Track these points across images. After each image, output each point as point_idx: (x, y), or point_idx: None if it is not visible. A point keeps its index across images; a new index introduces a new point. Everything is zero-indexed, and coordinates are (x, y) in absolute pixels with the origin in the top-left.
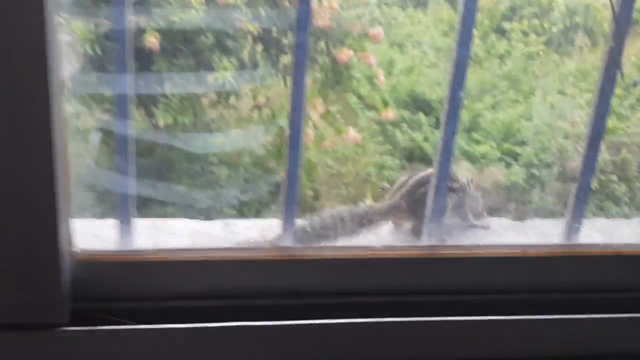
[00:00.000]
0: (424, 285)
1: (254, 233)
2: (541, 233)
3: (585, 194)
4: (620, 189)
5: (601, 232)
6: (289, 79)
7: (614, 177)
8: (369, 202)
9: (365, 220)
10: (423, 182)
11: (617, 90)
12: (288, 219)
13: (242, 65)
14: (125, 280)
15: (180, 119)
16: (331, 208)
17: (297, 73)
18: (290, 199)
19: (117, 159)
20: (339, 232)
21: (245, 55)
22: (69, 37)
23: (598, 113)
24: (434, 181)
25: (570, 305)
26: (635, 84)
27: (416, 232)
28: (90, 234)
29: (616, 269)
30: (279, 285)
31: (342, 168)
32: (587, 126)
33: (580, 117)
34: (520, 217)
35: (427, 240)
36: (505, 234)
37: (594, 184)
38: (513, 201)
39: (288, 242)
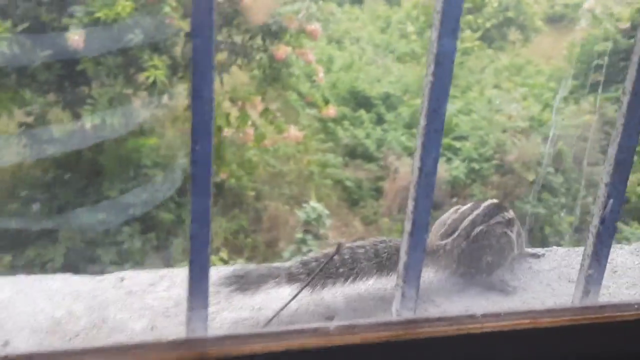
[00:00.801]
0: None
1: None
2: None
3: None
4: (557, 179)
5: None
6: (225, 77)
7: (551, 169)
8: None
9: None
10: (477, 221)
11: (551, 84)
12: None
13: (174, 63)
14: None
15: (109, 120)
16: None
17: (199, 80)
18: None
19: None
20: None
21: (177, 52)
22: None
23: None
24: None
25: None
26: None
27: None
28: None
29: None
30: None
31: (284, 167)
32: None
33: (517, 111)
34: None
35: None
36: None
37: (532, 176)
38: (455, 196)
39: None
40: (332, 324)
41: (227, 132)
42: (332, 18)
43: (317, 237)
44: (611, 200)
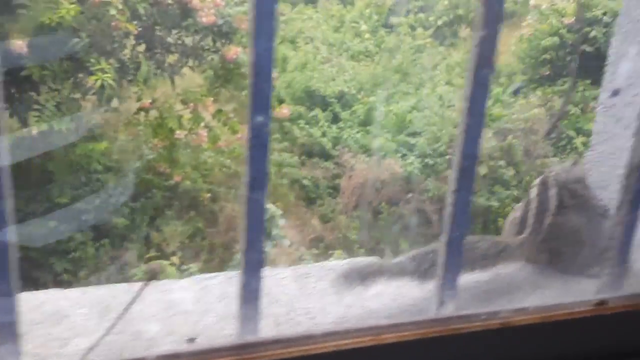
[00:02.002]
0: None
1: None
2: None
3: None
4: (508, 172)
5: None
6: (177, 79)
7: (502, 162)
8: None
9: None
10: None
11: (501, 79)
12: None
13: (123, 67)
14: None
15: (57, 126)
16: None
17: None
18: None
19: None
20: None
21: (126, 55)
22: None
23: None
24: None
25: None
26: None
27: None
28: None
29: None
30: None
31: (240, 168)
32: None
33: None
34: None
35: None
36: None
37: (484, 170)
38: (411, 191)
39: None
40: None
41: (180, 134)
42: (285, 18)
43: (270, 237)
44: (457, 212)
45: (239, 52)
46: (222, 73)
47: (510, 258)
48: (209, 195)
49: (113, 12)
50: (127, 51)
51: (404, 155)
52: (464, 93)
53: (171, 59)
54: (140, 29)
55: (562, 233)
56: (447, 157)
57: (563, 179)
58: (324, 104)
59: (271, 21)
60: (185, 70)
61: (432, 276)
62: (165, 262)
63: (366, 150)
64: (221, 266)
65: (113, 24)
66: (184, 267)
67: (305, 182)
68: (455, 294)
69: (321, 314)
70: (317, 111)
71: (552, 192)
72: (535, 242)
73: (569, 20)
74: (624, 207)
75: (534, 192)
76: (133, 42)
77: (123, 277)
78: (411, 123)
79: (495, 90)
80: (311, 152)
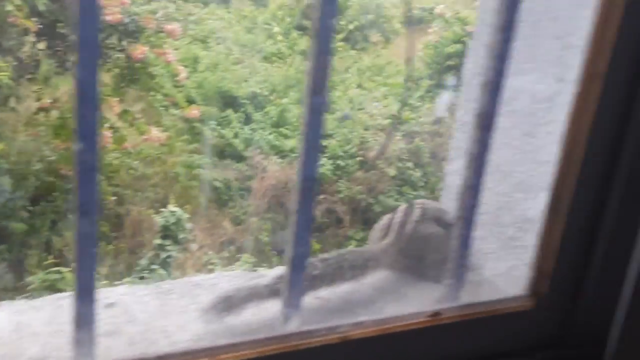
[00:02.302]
0: None
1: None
2: None
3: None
4: (416, 174)
5: None
6: None
7: (410, 164)
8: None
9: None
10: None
11: (409, 83)
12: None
13: (21, 65)
14: None
15: None
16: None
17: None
18: None
19: None
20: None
21: (25, 53)
22: None
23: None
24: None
25: None
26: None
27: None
28: None
29: None
30: None
31: (148, 170)
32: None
33: (378, 109)
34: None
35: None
36: None
37: (393, 171)
38: (322, 193)
39: None
40: None
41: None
42: (196, 18)
43: (177, 241)
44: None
45: (146, 51)
46: (129, 72)
47: (377, 267)
48: (114, 198)
49: (10, 7)
50: (26, 49)
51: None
52: (302, 118)
53: (75, 57)
54: (40, 26)
55: (423, 240)
56: (358, 158)
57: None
58: (236, 105)
59: (95, 49)
60: None
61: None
62: (65, 270)
63: (279, 151)
64: (128, 271)
65: (10, 20)
66: None
67: (217, 183)
68: (299, 311)
69: (179, 332)
70: (229, 112)
71: (419, 206)
72: (397, 248)
73: (471, 28)
74: (459, 222)
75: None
76: (33, 39)
77: (21, 284)
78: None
79: (404, 94)
80: (223, 154)
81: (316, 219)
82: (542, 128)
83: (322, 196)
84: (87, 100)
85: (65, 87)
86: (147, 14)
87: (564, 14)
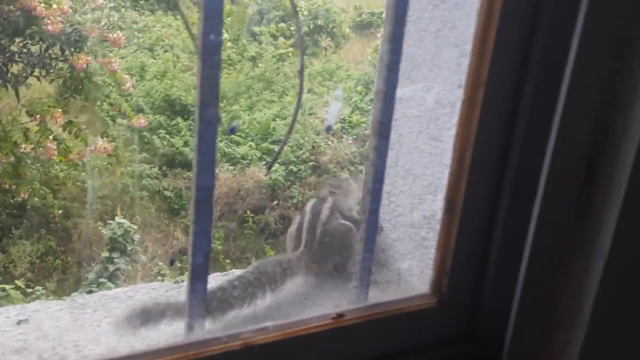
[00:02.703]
0: None
1: None
2: None
3: None
4: None
5: None
6: (23, 89)
7: (362, 168)
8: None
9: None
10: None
11: (358, 87)
12: None
13: None
14: None
15: None
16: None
17: None
18: None
19: None
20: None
21: None
22: None
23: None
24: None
25: None
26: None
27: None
28: None
29: None
30: None
31: (95, 181)
32: None
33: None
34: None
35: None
36: None
37: (345, 175)
38: (276, 199)
39: None
40: None
41: (25, 147)
42: (142, 25)
43: (125, 253)
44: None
45: (90, 61)
46: (72, 83)
47: (295, 274)
48: (60, 211)
49: None
50: None
51: (268, 163)
52: (195, 131)
53: (15, 68)
54: None
55: (332, 243)
56: (311, 163)
57: (339, 192)
58: (186, 113)
59: None
60: (32, 80)
61: (222, 310)
62: (8, 287)
63: (230, 158)
64: (76, 285)
65: None
66: (30, 290)
67: (167, 193)
68: (203, 320)
69: (91, 345)
70: (179, 120)
71: (327, 204)
72: (310, 255)
73: None
74: (362, 227)
75: (309, 204)
76: None
77: None
78: (275, 131)
79: (355, 97)
80: (173, 162)
81: (270, 226)
82: (447, 132)
83: (275, 202)
84: None
85: (7, 99)
86: (90, 23)
87: (461, 22)
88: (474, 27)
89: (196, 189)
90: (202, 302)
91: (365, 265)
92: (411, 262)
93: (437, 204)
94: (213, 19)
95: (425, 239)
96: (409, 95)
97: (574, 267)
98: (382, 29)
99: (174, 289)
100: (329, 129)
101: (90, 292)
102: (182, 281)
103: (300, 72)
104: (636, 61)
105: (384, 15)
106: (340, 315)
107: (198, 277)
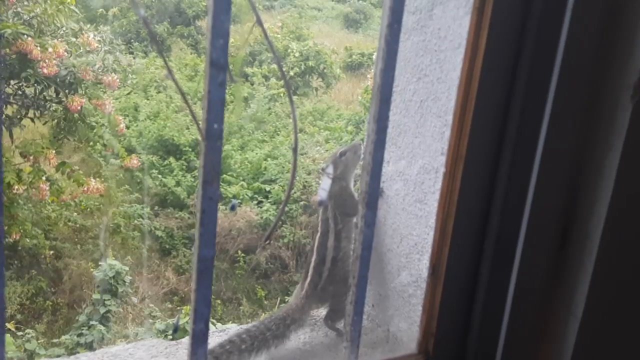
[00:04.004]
0: None
1: None
2: None
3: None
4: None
5: None
6: (17, 131)
7: None
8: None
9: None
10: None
11: (349, 127)
12: None
13: None
14: None
15: None
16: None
17: None
18: None
19: None
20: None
21: None
22: None
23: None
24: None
25: None
26: (232, 208)
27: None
28: None
29: None
30: None
31: (87, 222)
32: None
33: (320, 154)
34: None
35: None
36: None
37: None
38: (267, 238)
39: None
40: None
41: (18, 189)
42: (136, 67)
43: (116, 295)
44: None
45: (84, 103)
46: (66, 124)
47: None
48: (52, 252)
49: None
50: None
51: (259, 203)
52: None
53: (10, 110)
54: None
55: (339, 279)
56: (302, 202)
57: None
58: (178, 153)
59: None
60: (26, 121)
61: None
62: None
63: (222, 198)
64: (66, 327)
65: None
66: (21, 332)
67: (159, 233)
68: None
69: None
70: (171, 160)
71: (331, 242)
72: (315, 291)
73: None
74: (353, 290)
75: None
76: None
77: None
78: (266, 170)
79: (345, 137)
80: (165, 202)
81: (261, 266)
82: (431, 196)
83: (267, 241)
84: None
85: None
86: (85, 66)
87: (443, 95)
88: (454, 100)
89: (198, 260)
90: None
91: (355, 328)
92: (400, 319)
93: (423, 264)
94: (215, 110)
95: (413, 296)
96: (396, 159)
97: (550, 329)
98: (372, 69)
99: (173, 346)
100: (320, 203)
101: (80, 335)
102: (180, 339)
103: (295, 131)
104: (602, 131)
105: (374, 56)
106: None
107: (199, 342)
